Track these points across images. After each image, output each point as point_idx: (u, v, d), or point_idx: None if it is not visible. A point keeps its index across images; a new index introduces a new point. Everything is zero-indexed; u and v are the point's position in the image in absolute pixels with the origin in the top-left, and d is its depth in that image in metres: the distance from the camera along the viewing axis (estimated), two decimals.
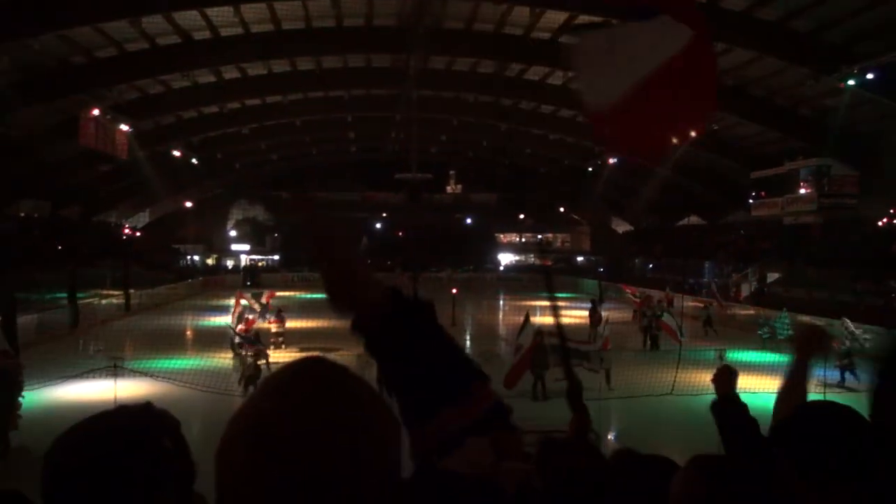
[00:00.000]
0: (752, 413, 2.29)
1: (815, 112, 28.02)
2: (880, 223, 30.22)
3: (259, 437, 0.77)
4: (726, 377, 2.41)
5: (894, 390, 1.83)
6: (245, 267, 52.93)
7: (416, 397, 1.04)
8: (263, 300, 24.60)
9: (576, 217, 62.52)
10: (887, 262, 25.14)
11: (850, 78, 21.43)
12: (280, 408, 0.79)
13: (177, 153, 38.60)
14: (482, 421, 1.03)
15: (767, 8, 21.42)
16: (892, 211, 29.74)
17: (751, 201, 36.33)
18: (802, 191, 32.51)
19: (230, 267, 54.28)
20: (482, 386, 1.07)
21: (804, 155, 31.54)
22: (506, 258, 61.34)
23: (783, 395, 2.04)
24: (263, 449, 0.76)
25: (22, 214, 33.93)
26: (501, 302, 37.16)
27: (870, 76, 20.82)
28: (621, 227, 57.86)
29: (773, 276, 31.83)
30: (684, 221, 46.90)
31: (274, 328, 20.81)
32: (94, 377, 13.60)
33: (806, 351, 2.15)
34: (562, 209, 62.05)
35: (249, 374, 14.44)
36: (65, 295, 25.58)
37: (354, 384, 0.84)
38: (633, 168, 43.33)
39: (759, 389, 11.85)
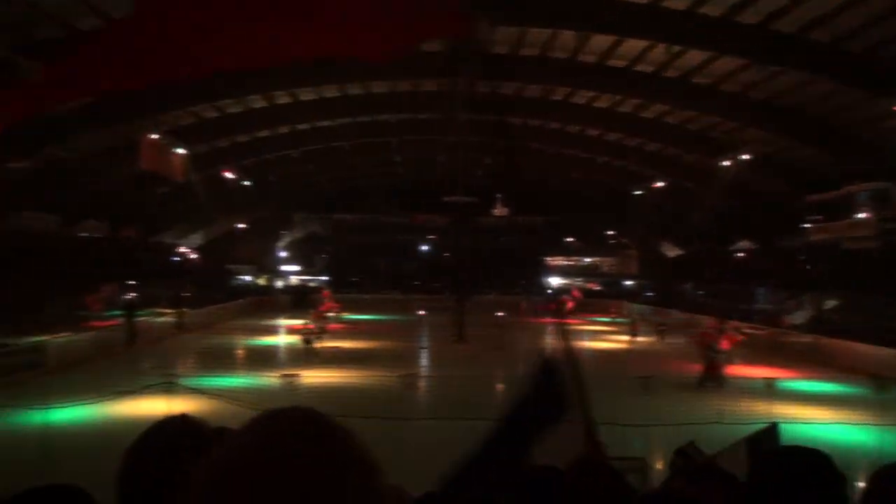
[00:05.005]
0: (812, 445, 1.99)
1: (873, 135, 27.21)
2: None
3: (245, 478, 0.77)
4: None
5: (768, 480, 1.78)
6: (295, 287, 53.54)
7: None
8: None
9: (624, 241, 61.71)
10: None
11: None
12: (265, 450, 0.79)
13: (230, 176, 39.73)
14: None
15: (819, 30, 21.02)
16: None
17: (807, 225, 35.33)
18: (861, 215, 31.49)
19: (280, 287, 55.08)
20: None
21: (862, 178, 30.61)
22: (554, 281, 60.80)
23: None
24: (248, 491, 0.76)
25: (83, 235, 35.25)
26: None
27: None
28: (671, 251, 56.82)
29: (830, 304, 30.77)
30: (737, 246, 45.80)
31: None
32: (148, 394, 13.96)
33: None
34: (609, 233, 61.35)
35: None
36: (121, 313, 26.37)
37: (334, 427, 0.86)
38: (682, 192, 42.70)
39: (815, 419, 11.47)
